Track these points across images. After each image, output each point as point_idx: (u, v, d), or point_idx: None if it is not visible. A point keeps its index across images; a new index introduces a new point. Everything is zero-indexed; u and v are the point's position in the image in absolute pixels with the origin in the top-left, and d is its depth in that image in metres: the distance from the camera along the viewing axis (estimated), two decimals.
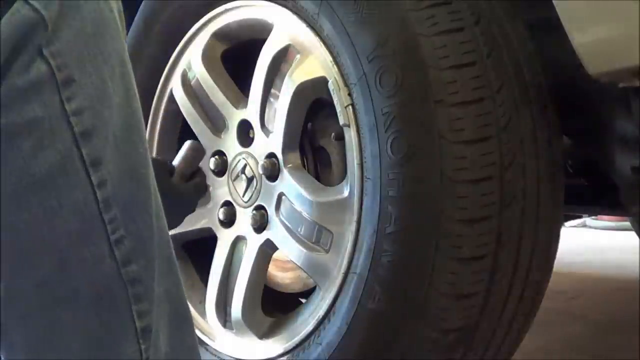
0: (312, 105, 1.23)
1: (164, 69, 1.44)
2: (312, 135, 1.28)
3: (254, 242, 1.28)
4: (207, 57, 1.37)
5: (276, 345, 1.24)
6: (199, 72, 1.38)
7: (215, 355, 1.35)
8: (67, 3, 0.62)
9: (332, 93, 1.13)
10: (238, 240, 1.33)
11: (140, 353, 0.69)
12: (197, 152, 1.35)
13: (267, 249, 1.28)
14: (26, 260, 0.64)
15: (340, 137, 1.16)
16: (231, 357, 1.33)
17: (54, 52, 0.62)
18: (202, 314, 1.38)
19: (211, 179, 1.37)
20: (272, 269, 1.39)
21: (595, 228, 4.41)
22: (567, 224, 3.70)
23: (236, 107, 1.33)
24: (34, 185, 0.62)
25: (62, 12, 0.62)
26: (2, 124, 0.60)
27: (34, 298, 0.65)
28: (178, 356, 0.75)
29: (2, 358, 0.70)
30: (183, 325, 0.78)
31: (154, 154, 1.47)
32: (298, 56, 1.20)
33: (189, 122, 1.41)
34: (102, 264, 0.66)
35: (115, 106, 0.67)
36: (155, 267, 0.71)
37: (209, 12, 1.37)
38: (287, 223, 1.22)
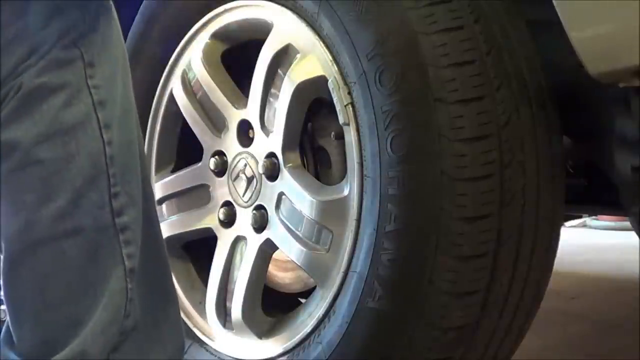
0: (312, 105, 1.23)
1: (164, 69, 1.44)
2: (312, 135, 1.28)
3: (254, 242, 1.28)
4: (207, 57, 1.37)
5: (276, 345, 1.24)
6: (199, 72, 1.38)
7: (215, 355, 1.35)
8: (98, 11, 0.83)
9: (331, 92, 1.13)
10: (238, 240, 1.33)
11: (126, 290, 0.82)
12: None
13: (267, 249, 1.28)
14: (47, 193, 0.79)
15: (340, 136, 1.17)
16: (231, 357, 1.33)
17: (85, 42, 0.82)
18: (202, 314, 1.38)
19: (211, 179, 1.37)
20: (272, 269, 1.39)
21: (595, 228, 4.40)
22: (567, 224, 3.71)
23: (236, 107, 1.33)
24: (61, 131, 0.79)
25: (96, 16, 0.83)
26: (45, 80, 0.79)
27: (48, 230, 0.79)
28: (159, 329, 0.87)
29: (5, 299, 0.81)
30: (165, 302, 0.89)
31: (154, 154, 1.47)
32: (298, 55, 1.20)
33: (189, 122, 1.41)
34: (103, 209, 0.81)
35: (119, 93, 0.84)
36: (140, 223, 0.85)
37: (209, 12, 1.37)
38: (287, 222, 1.23)
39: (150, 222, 0.88)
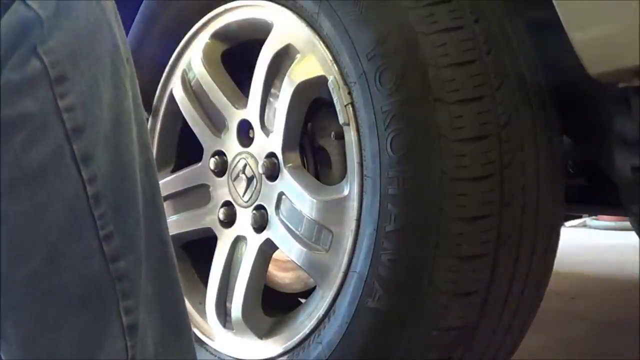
0: (312, 105, 1.23)
1: (164, 69, 1.44)
2: (312, 135, 1.28)
3: (254, 242, 1.28)
4: (207, 57, 1.37)
5: (276, 345, 1.24)
6: (199, 72, 1.38)
7: (215, 355, 1.35)
8: (62, 4, 0.64)
9: (331, 92, 1.13)
10: (238, 240, 1.33)
11: (126, 350, 0.70)
12: None
13: (267, 249, 1.28)
14: (17, 253, 0.66)
15: (340, 136, 1.16)
16: (231, 357, 1.33)
17: (48, 50, 0.63)
18: (202, 314, 1.38)
19: (211, 179, 1.37)
20: (272, 269, 1.39)
21: (595, 228, 4.41)
22: (567, 224, 3.71)
23: (236, 107, 1.33)
24: (25, 178, 0.64)
25: (57, 12, 0.64)
26: None
27: (24, 291, 0.66)
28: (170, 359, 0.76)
29: (1, 350, 0.70)
30: (178, 329, 0.78)
31: (154, 154, 1.47)
32: (298, 55, 1.20)
33: (189, 122, 1.41)
34: (91, 259, 0.68)
35: (105, 104, 0.68)
36: (143, 266, 0.72)
37: (209, 12, 1.37)
38: (287, 222, 1.22)
39: (163, 242, 0.77)
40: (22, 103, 0.63)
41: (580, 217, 3.26)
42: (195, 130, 1.40)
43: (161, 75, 1.45)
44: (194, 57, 1.39)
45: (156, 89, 1.46)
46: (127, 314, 0.70)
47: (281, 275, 1.43)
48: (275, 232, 1.24)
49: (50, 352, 0.68)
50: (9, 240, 0.65)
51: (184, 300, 0.80)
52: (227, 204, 1.34)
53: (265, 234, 1.26)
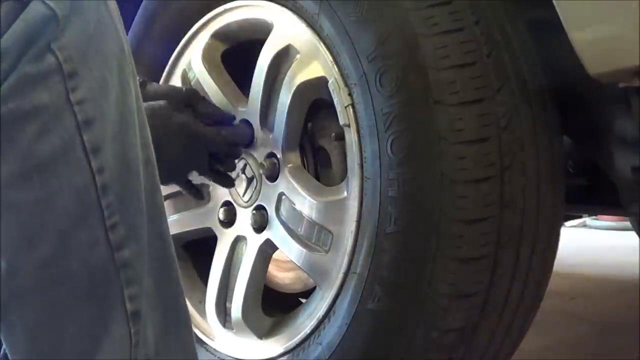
0: (312, 105, 1.23)
1: (164, 69, 1.44)
2: (312, 135, 1.28)
3: (254, 242, 1.28)
4: (207, 57, 1.37)
5: (276, 345, 1.24)
6: (199, 72, 1.38)
7: (215, 355, 1.35)
8: (76, 4, 0.68)
9: (332, 93, 1.13)
10: (238, 240, 1.33)
11: (130, 336, 0.72)
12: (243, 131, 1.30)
13: (267, 249, 1.28)
14: (27, 240, 0.68)
15: (341, 137, 1.16)
16: (231, 357, 1.33)
17: (61, 46, 0.66)
18: (202, 313, 1.38)
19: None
20: (272, 269, 1.39)
21: (595, 228, 4.41)
22: (567, 224, 3.71)
23: (236, 107, 1.33)
24: (37, 167, 0.66)
25: (71, 11, 0.67)
26: (11, 108, 0.64)
27: (32, 278, 0.68)
28: (171, 355, 0.78)
29: (2, 338, 0.72)
30: (179, 327, 0.80)
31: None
32: (298, 56, 1.20)
33: None
34: (97, 247, 0.70)
35: (112, 101, 0.71)
36: (146, 258, 0.74)
37: (209, 12, 1.37)
38: (287, 223, 1.23)
39: (163, 239, 0.79)
40: (37, 95, 0.65)
41: (580, 217, 3.27)
42: None
43: (161, 75, 1.45)
44: (194, 57, 1.39)
45: None
46: (131, 301, 0.72)
47: (281, 276, 1.43)
48: (275, 232, 1.24)
49: (56, 339, 0.70)
50: (19, 228, 0.67)
51: (184, 298, 0.81)
52: (227, 204, 1.35)
53: (265, 234, 1.26)
